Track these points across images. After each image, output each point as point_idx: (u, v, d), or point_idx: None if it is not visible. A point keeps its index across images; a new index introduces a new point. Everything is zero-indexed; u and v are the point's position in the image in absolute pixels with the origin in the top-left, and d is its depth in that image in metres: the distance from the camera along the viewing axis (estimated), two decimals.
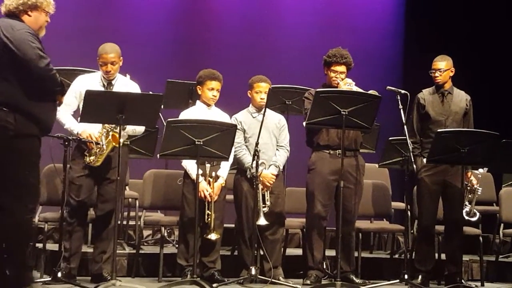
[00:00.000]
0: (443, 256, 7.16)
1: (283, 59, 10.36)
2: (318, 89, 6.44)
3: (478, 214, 7.11)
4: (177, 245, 6.81)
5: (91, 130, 6.15)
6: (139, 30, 10.09)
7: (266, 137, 6.67)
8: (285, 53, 10.48)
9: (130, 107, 5.87)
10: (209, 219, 6.43)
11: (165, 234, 7.21)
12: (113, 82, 6.27)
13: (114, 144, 6.05)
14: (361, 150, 6.86)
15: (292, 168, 7.32)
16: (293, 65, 10.24)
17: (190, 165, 6.50)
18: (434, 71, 6.97)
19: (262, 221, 6.42)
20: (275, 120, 6.84)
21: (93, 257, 6.29)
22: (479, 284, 7.24)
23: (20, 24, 5.10)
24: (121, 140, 5.99)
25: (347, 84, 6.52)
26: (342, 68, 6.66)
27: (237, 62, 9.95)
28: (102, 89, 6.22)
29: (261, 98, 6.72)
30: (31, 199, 5.15)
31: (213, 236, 6.41)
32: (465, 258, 7.32)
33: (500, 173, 8.50)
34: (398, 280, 6.65)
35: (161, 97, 6.26)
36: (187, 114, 6.65)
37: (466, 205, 6.99)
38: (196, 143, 6.09)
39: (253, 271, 6.36)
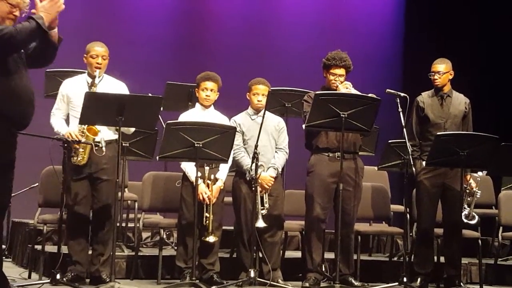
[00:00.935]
0: (442, 259, 7.16)
1: (283, 61, 10.38)
2: (317, 92, 6.44)
3: (477, 217, 7.12)
4: (176, 247, 6.80)
5: (71, 129, 6.16)
6: (138, 32, 10.10)
7: (265, 140, 6.66)
8: (285, 55, 10.49)
9: (130, 109, 5.87)
10: (208, 221, 6.42)
11: (164, 236, 7.20)
12: (96, 81, 6.23)
13: (91, 135, 6.04)
14: (360, 153, 6.86)
15: (291, 170, 7.32)
16: (293, 67, 10.26)
17: (189, 168, 6.49)
18: (433, 73, 6.97)
19: (260, 223, 6.42)
20: (274, 123, 6.84)
21: (91, 259, 6.29)
22: (478, 287, 7.23)
23: None
24: (123, 142, 6.00)
25: (346, 87, 6.52)
26: (341, 71, 6.65)
27: (237, 64, 9.96)
28: (87, 88, 6.19)
29: (258, 101, 6.72)
30: None
31: (211, 239, 6.41)
32: (464, 261, 7.32)
33: (499, 176, 8.51)
34: (397, 283, 6.66)
35: (160, 99, 6.27)
36: (186, 116, 6.64)
37: (465, 208, 7.00)
38: (196, 145, 6.09)
39: (252, 274, 6.35)
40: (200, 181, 6.33)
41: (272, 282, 6.46)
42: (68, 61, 6.93)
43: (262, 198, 6.55)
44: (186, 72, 7.98)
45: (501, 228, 7.55)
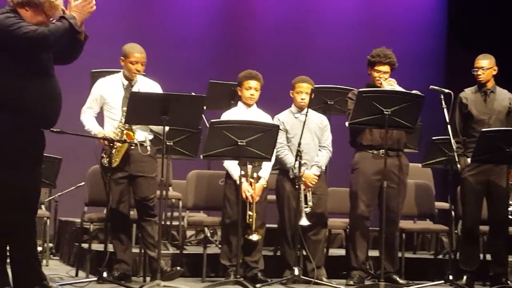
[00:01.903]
0: (488, 256, 7.09)
1: (324, 59, 10.35)
2: (361, 89, 6.42)
3: None
4: (220, 245, 6.83)
5: (107, 131, 6.23)
6: (181, 32, 10.16)
7: (308, 138, 6.66)
8: (326, 52, 10.46)
9: (174, 108, 5.91)
10: (251, 219, 6.45)
11: (208, 234, 7.24)
12: (132, 83, 6.29)
13: (129, 140, 6.11)
14: (404, 150, 6.82)
15: (334, 168, 7.30)
16: (334, 64, 10.23)
17: (232, 166, 6.52)
18: (476, 69, 6.91)
19: (304, 221, 6.42)
20: (317, 121, 6.84)
21: (139, 257, 6.35)
22: None
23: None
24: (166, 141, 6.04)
25: (390, 84, 6.49)
26: (386, 68, 6.63)
27: (279, 63, 9.97)
28: (123, 90, 6.26)
29: (302, 99, 6.72)
30: None
31: (254, 237, 6.43)
32: (511, 258, 7.24)
33: None
34: (442, 281, 6.60)
35: (204, 98, 6.29)
36: (229, 115, 6.67)
37: (510, 205, 6.92)
38: (239, 143, 6.11)
39: (296, 272, 6.37)
40: (243, 179, 6.36)
41: (316, 280, 6.46)
42: (111, 62, 7.00)
43: (305, 196, 6.55)
44: (229, 71, 8.00)
45: None
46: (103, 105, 6.34)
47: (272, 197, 6.86)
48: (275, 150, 6.41)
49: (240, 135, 6.11)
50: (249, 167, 6.48)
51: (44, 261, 7.40)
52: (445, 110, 6.69)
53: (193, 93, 6.41)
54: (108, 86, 6.34)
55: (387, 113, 6.21)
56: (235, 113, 6.68)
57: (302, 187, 6.50)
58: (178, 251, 7.04)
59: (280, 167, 6.75)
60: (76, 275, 6.70)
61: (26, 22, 4.76)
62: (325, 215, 6.79)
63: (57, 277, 6.47)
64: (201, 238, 7.83)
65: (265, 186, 6.57)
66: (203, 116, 6.45)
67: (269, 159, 6.37)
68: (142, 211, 6.29)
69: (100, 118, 6.44)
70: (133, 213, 6.53)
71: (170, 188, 7.56)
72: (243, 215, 6.37)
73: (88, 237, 6.86)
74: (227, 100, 7.66)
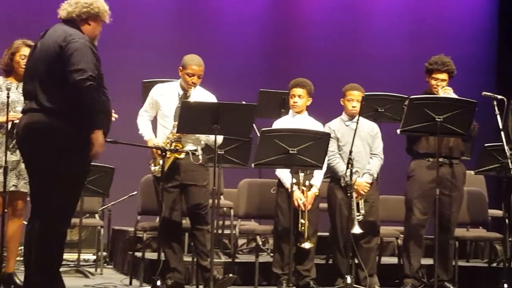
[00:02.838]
0: None
1: (375, 67, 10.32)
2: (412, 96, 6.38)
3: None
4: (271, 254, 6.84)
5: (157, 140, 6.28)
6: (231, 41, 10.23)
7: (359, 145, 6.65)
8: (377, 60, 10.44)
9: (225, 117, 5.94)
10: (303, 227, 6.45)
11: (260, 243, 7.26)
12: (188, 93, 6.31)
13: (176, 155, 6.17)
14: (461, 158, 6.75)
15: (385, 176, 7.26)
16: (385, 72, 10.20)
17: (283, 174, 6.53)
18: None
19: (357, 229, 6.40)
20: (368, 128, 6.82)
21: (191, 265, 6.38)
22: None
23: (79, 34, 4.91)
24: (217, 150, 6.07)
25: (446, 92, 6.44)
26: (444, 76, 6.58)
27: (330, 71, 9.98)
28: (177, 99, 6.30)
29: (353, 106, 6.71)
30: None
31: (306, 245, 6.42)
32: None
33: None
34: None
35: (255, 107, 6.31)
36: (280, 123, 6.69)
37: None
38: (290, 152, 6.11)
39: (349, 280, 6.34)
40: (295, 187, 6.36)
41: None
42: (164, 73, 7.07)
43: (357, 204, 6.53)
44: (279, 80, 8.03)
45: None
46: (158, 111, 6.40)
47: (323, 205, 6.85)
48: (326, 158, 6.41)
49: (291, 143, 6.11)
50: (301, 175, 6.48)
51: (98, 270, 7.51)
52: (498, 117, 6.61)
53: (243, 102, 6.44)
54: (164, 93, 6.38)
55: (439, 120, 6.17)
56: (286, 121, 6.69)
57: (354, 195, 6.48)
58: (230, 260, 7.06)
59: (332, 175, 6.74)
60: (130, 283, 6.76)
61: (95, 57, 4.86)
62: (377, 223, 6.76)
63: (111, 286, 6.56)
64: (252, 246, 7.85)
65: (317, 194, 6.57)
66: (253, 125, 6.48)
67: (320, 167, 6.36)
68: (195, 220, 6.33)
69: (154, 123, 6.51)
70: (185, 222, 6.57)
71: (221, 197, 7.59)
72: (295, 223, 6.37)
73: (141, 246, 6.91)
74: (278, 109, 7.69)
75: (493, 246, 8.09)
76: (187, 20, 10.16)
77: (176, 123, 6.12)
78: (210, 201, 6.33)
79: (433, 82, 6.60)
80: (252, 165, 6.35)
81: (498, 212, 7.66)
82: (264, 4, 10.82)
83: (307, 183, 6.51)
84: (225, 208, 7.79)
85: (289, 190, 6.33)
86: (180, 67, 6.34)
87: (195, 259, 6.50)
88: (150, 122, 6.48)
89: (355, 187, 6.50)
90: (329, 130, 6.66)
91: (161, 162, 6.11)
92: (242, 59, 10.15)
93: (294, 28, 10.57)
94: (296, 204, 6.41)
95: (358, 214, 6.49)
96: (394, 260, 7.37)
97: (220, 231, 7.78)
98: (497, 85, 10.45)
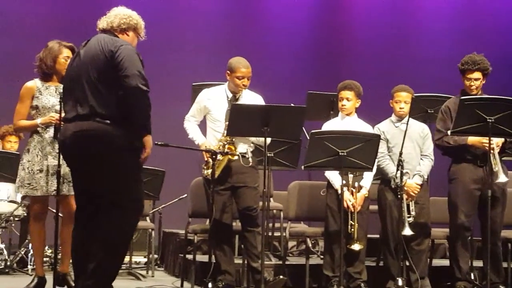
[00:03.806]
0: None
1: (424, 67, 10.27)
2: (462, 97, 6.33)
3: None
4: (322, 256, 6.83)
5: (209, 143, 6.31)
6: (279, 43, 10.26)
7: (409, 147, 6.61)
8: (426, 61, 10.39)
9: (275, 119, 5.96)
10: (353, 229, 6.44)
11: (310, 245, 7.25)
12: (237, 96, 6.35)
13: (230, 157, 6.19)
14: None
15: (435, 177, 7.21)
16: (434, 73, 10.14)
17: (333, 176, 6.53)
18: None
19: (407, 231, 6.36)
20: (419, 129, 6.78)
21: (242, 268, 6.41)
22: None
23: (125, 41, 5.02)
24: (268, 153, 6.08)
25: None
26: (477, 75, 6.52)
27: (378, 72, 9.95)
28: (227, 103, 6.33)
29: (401, 108, 6.68)
30: None
31: (356, 247, 6.41)
32: None
33: None
34: None
35: (304, 109, 6.33)
36: (329, 126, 6.69)
37: None
38: (340, 154, 6.11)
39: (400, 282, 6.31)
40: (344, 188, 6.35)
41: None
42: (215, 76, 7.11)
43: (408, 205, 6.50)
44: (328, 82, 8.03)
45: None
46: (207, 116, 6.44)
47: (374, 207, 6.83)
48: (376, 160, 6.39)
49: (340, 145, 6.11)
50: (350, 176, 6.47)
51: (149, 272, 7.58)
52: None
53: (292, 104, 6.45)
54: (213, 97, 6.42)
55: (490, 120, 6.10)
56: (335, 124, 6.69)
57: (405, 196, 6.45)
58: (280, 262, 7.07)
59: (382, 176, 6.72)
60: (181, 286, 6.80)
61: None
62: (428, 225, 6.72)
63: None
64: (302, 248, 7.85)
65: (366, 195, 6.56)
66: (303, 127, 6.49)
67: (370, 169, 6.34)
68: (246, 222, 6.36)
69: (202, 127, 6.54)
70: (235, 224, 6.61)
71: (271, 199, 7.61)
72: (345, 224, 6.36)
73: (192, 248, 6.96)
74: (327, 111, 7.68)
75: None
76: (236, 23, 10.22)
77: (227, 124, 6.16)
78: (260, 203, 6.35)
79: (466, 82, 6.54)
80: (302, 167, 6.34)
81: None
82: (313, 6, 10.82)
83: (356, 184, 6.50)
84: (275, 211, 7.80)
85: (339, 191, 6.32)
86: (228, 71, 6.36)
87: (245, 261, 6.54)
88: (198, 127, 6.52)
89: (405, 188, 6.47)
90: (378, 132, 6.64)
91: (211, 164, 6.15)
92: (291, 61, 10.17)
93: (342, 29, 10.56)
94: (345, 205, 6.40)
95: (408, 216, 6.45)
96: (445, 262, 7.30)
97: (270, 234, 7.80)
98: None
